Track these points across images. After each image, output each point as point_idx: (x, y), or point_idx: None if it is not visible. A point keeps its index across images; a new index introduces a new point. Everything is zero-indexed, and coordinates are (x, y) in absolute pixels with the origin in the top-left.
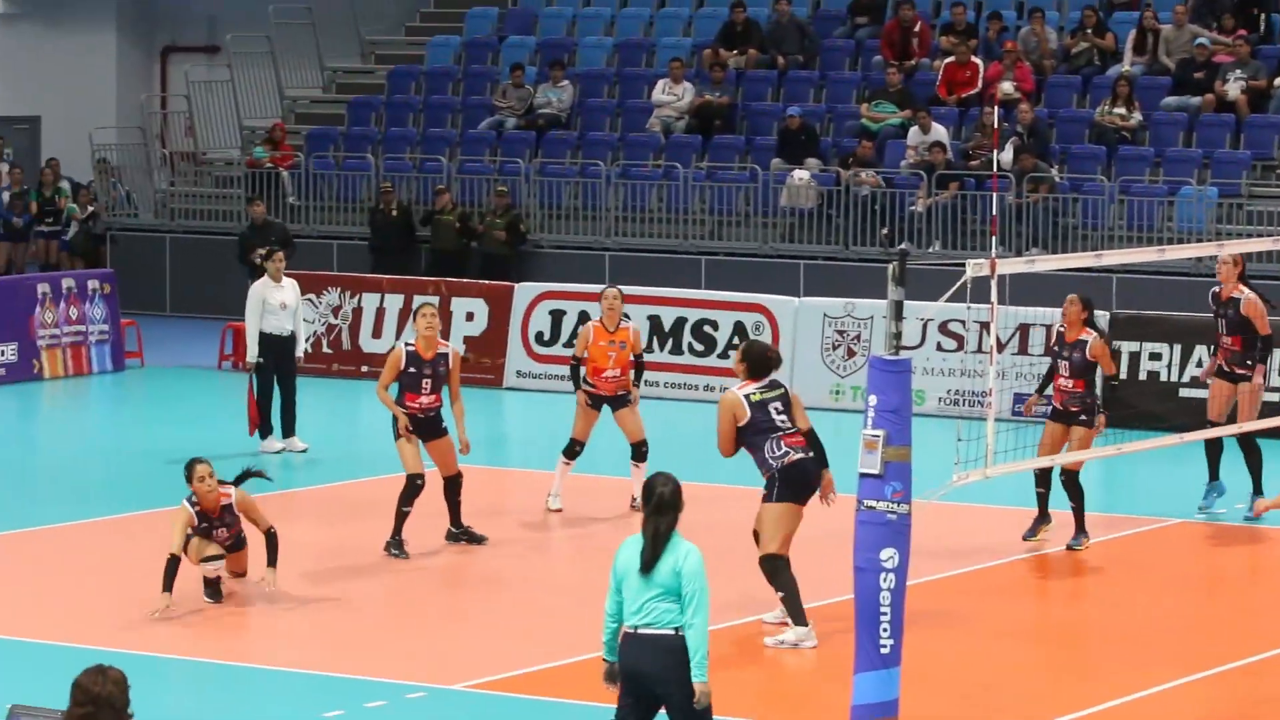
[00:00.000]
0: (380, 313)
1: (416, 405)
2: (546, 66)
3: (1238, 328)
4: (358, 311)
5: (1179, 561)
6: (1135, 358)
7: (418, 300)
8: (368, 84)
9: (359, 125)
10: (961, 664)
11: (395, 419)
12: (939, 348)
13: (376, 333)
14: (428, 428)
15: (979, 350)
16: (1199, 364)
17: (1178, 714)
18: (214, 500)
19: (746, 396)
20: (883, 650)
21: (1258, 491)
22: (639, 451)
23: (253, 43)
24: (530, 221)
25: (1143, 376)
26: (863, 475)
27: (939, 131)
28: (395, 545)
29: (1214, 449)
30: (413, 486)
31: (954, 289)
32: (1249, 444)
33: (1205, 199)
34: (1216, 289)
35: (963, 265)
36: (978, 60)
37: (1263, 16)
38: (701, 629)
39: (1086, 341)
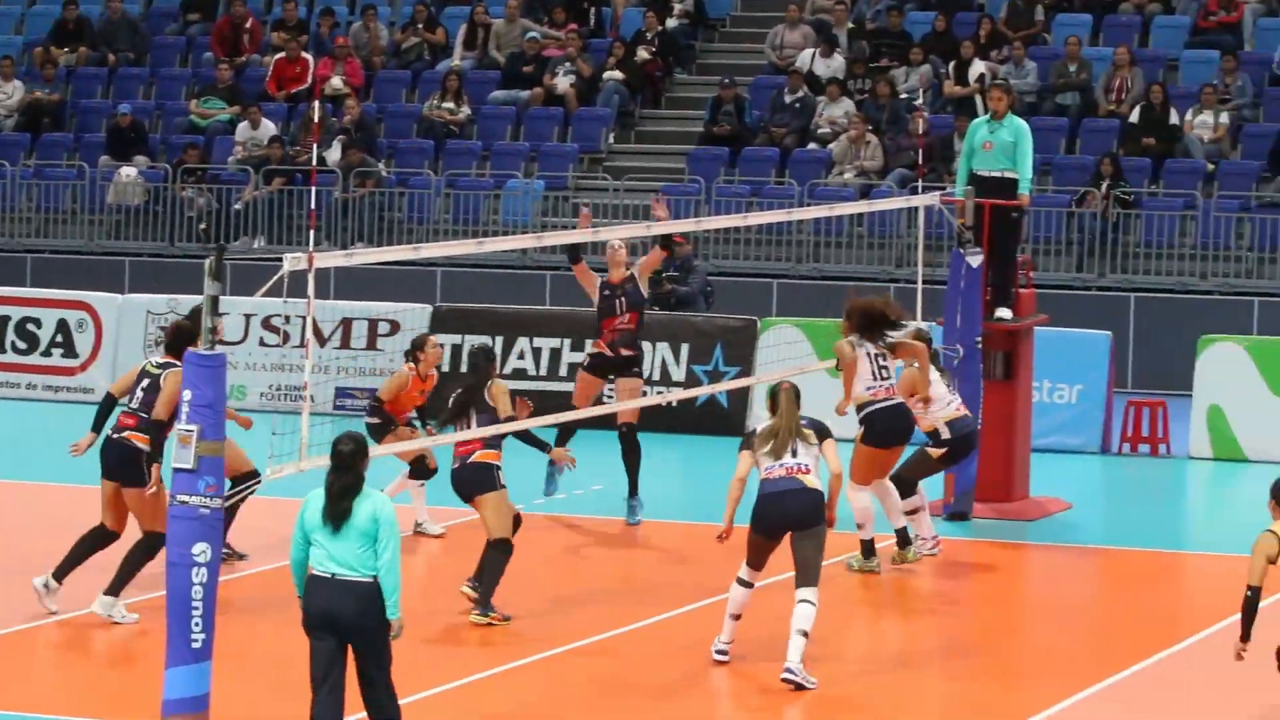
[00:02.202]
0: None
1: None
2: None
3: (636, 305)
4: None
5: None
6: (457, 350)
7: None
8: None
9: None
10: (273, 656)
11: None
12: (262, 343)
13: None
14: None
15: (301, 345)
16: (520, 355)
17: None
18: None
19: None
20: (194, 645)
21: (633, 493)
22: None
23: None
24: None
25: (463, 369)
26: (176, 470)
27: (268, 127)
28: None
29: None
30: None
31: (270, 284)
32: (631, 441)
33: (532, 192)
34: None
35: (280, 260)
36: (308, 56)
37: (593, 10)
38: (396, 571)
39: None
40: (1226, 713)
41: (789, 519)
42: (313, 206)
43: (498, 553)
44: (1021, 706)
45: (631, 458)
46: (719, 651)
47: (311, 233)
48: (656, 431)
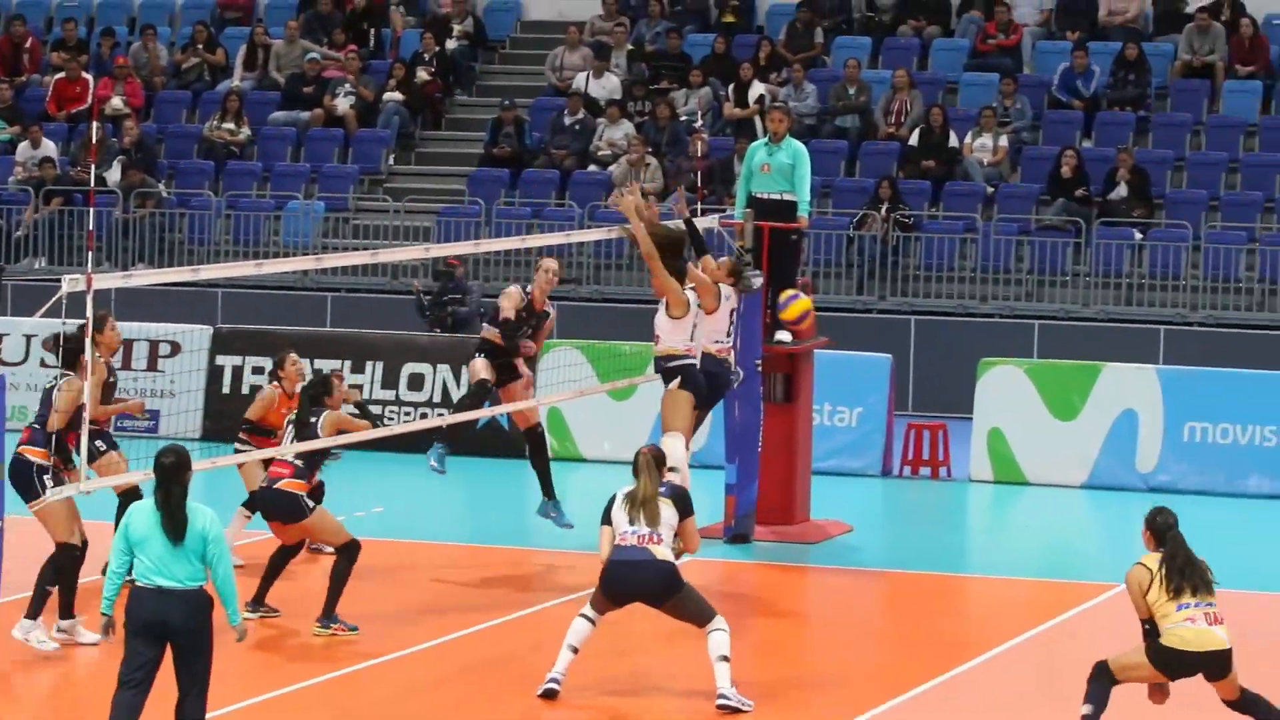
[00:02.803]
0: None
1: None
2: None
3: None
4: None
5: None
6: (239, 371)
7: None
8: None
9: None
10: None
11: None
12: (43, 363)
13: None
14: None
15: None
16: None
17: None
18: None
19: None
20: None
21: (548, 495)
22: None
23: None
24: None
25: (245, 391)
26: None
27: (48, 147)
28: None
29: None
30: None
31: (49, 304)
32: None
33: (312, 213)
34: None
35: (60, 281)
36: (88, 76)
37: (373, 31)
38: (233, 580)
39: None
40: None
41: (636, 593)
42: (91, 227)
43: (345, 559)
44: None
45: (540, 458)
46: (552, 680)
47: (90, 253)
48: None
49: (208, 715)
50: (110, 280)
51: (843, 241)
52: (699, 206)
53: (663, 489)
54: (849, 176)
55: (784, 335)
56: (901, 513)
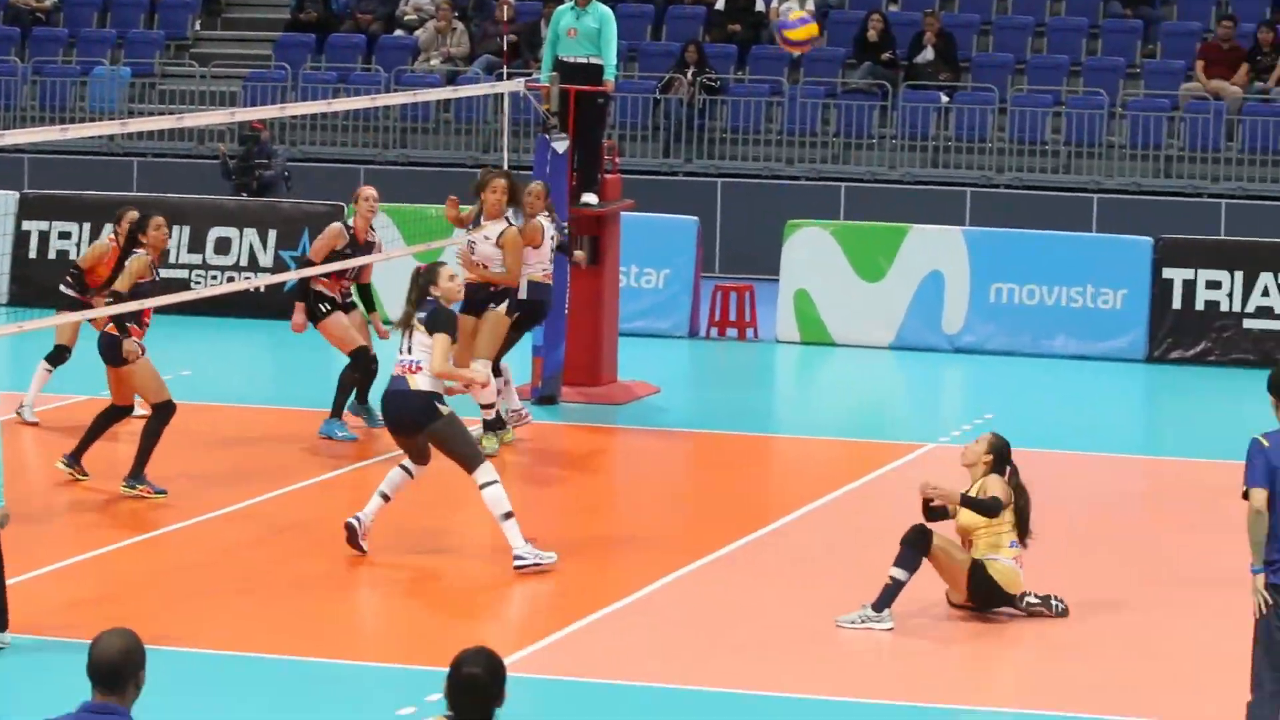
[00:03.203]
0: None
1: None
2: None
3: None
4: None
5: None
6: (45, 236)
7: None
8: None
9: None
10: None
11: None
12: None
13: None
14: None
15: None
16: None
17: None
18: None
19: None
20: None
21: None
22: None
23: None
24: None
25: (52, 256)
26: None
27: None
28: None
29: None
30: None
31: None
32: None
33: (118, 79)
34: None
35: None
36: None
37: None
38: None
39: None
40: (815, 589)
41: (399, 424)
42: None
43: (157, 419)
44: (612, 588)
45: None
46: (354, 518)
47: None
48: (243, 317)
49: (9, 580)
50: None
51: (649, 105)
52: (505, 70)
53: (421, 315)
54: (655, 40)
55: (590, 198)
56: (708, 374)
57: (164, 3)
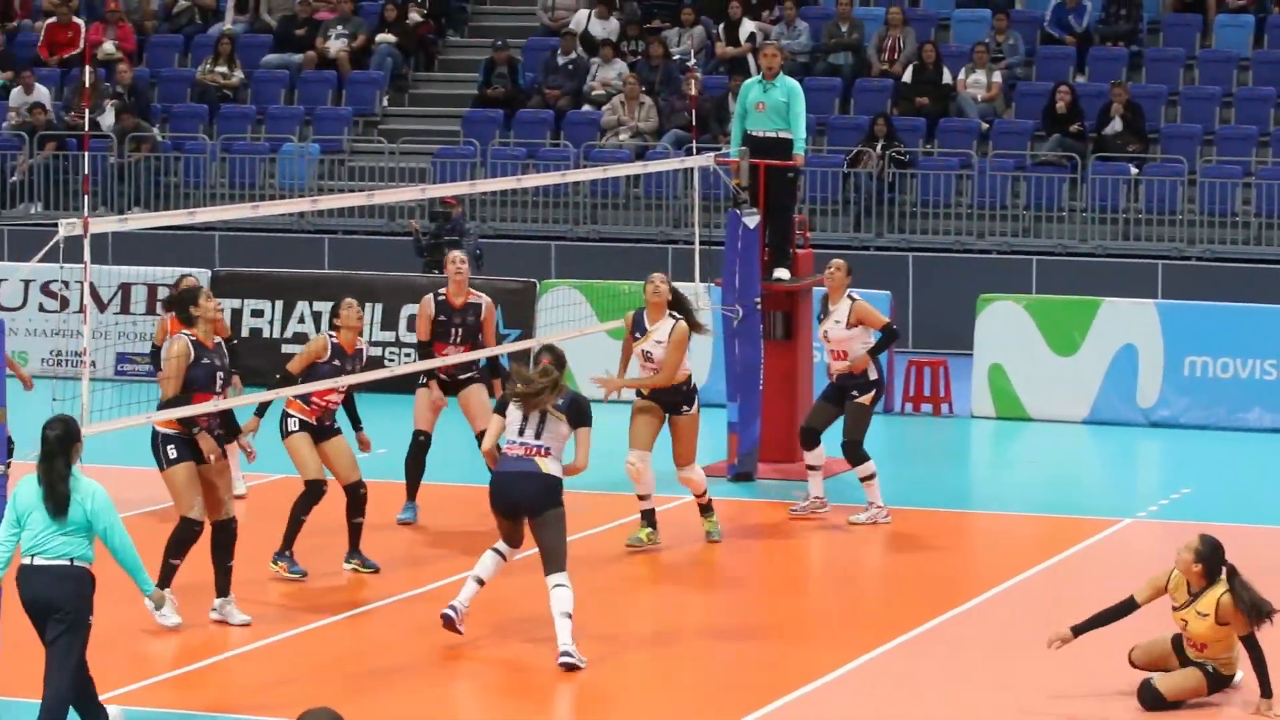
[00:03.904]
0: None
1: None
2: None
3: (471, 337)
4: None
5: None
6: (238, 314)
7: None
8: None
9: None
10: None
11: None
12: (41, 308)
13: None
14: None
15: (80, 310)
16: (300, 319)
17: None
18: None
19: None
20: None
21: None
22: None
23: None
24: None
25: (246, 333)
26: None
27: (41, 93)
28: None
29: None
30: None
31: (46, 249)
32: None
33: (307, 155)
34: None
35: (57, 225)
36: (79, 21)
37: None
38: (131, 551)
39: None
40: (1020, 666)
41: (519, 506)
42: (86, 172)
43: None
44: (814, 665)
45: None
46: (450, 608)
47: (86, 198)
48: None
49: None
50: (107, 224)
51: (838, 178)
52: (694, 145)
53: (560, 402)
54: (843, 114)
55: (782, 273)
56: (904, 449)
57: (352, 79)
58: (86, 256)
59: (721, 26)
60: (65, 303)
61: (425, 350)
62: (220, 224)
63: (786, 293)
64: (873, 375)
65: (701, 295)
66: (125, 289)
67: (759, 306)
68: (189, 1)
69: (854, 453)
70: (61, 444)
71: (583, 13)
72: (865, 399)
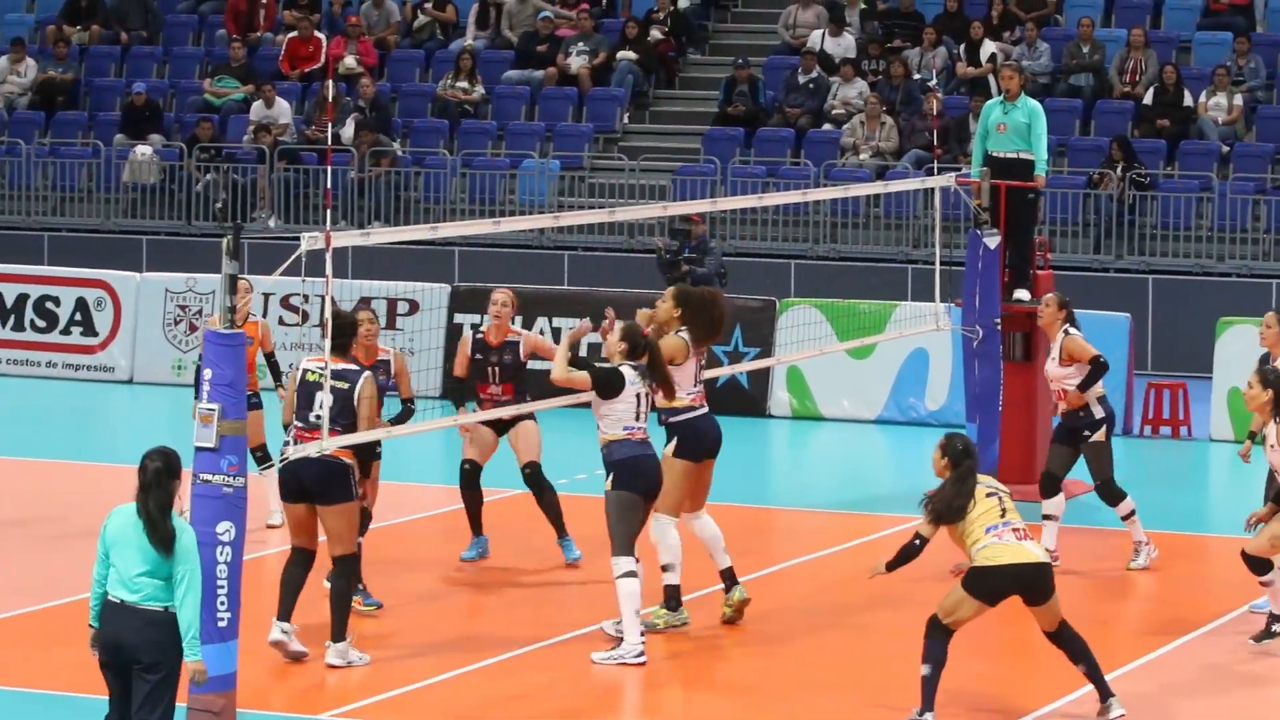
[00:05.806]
0: None
1: None
2: None
3: (513, 376)
4: None
5: None
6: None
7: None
8: None
9: None
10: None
11: None
12: (281, 322)
13: None
14: None
15: (320, 324)
16: (540, 335)
17: None
18: None
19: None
20: (220, 624)
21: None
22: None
23: None
24: None
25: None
26: (198, 449)
27: (282, 106)
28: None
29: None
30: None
31: (288, 263)
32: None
33: (547, 171)
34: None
35: (298, 239)
36: (321, 35)
37: None
38: (194, 608)
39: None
40: (1255, 694)
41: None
42: (328, 186)
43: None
44: (1046, 689)
45: (546, 497)
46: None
47: (328, 212)
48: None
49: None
50: (348, 239)
51: (1079, 200)
52: (935, 165)
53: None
54: (1084, 135)
55: (1022, 294)
56: (1142, 472)
57: (592, 96)
58: (329, 270)
59: (962, 47)
60: (305, 316)
61: (461, 386)
62: (460, 239)
63: (1027, 314)
64: (1098, 413)
65: (942, 315)
66: (364, 303)
67: (999, 327)
68: (430, 17)
69: (1108, 492)
70: (160, 477)
71: (817, 31)
72: (1099, 436)
